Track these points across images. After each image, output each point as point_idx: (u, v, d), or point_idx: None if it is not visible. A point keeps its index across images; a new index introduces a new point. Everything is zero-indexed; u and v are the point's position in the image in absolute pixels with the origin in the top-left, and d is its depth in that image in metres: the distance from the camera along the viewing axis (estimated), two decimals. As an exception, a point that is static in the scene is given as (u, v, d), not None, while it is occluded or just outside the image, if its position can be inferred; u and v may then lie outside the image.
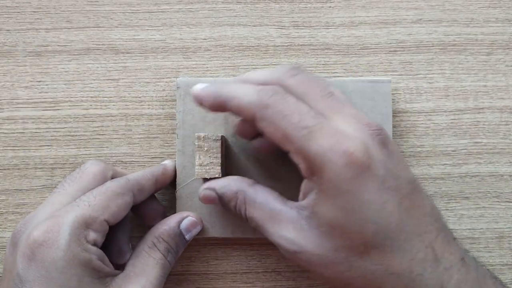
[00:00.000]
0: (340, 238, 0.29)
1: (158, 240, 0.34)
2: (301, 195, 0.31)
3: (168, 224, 0.35)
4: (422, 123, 0.40)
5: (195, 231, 0.36)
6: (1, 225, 0.40)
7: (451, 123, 0.40)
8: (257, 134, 0.35)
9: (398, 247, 0.28)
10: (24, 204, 0.40)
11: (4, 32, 0.41)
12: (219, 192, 0.33)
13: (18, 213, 0.40)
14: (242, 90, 0.31)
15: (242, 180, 0.33)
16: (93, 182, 0.34)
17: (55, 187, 0.40)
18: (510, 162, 0.40)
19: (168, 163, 0.38)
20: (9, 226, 0.40)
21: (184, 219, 0.36)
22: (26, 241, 0.30)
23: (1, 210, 0.40)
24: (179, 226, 0.35)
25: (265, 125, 0.29)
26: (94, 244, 0.31)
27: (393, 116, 0.39)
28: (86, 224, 0.31)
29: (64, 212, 0.31)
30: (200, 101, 0.32)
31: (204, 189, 0.34)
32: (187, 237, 0.36)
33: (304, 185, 0.30)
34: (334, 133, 0.28)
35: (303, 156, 0.29)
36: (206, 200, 0.34)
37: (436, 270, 0.29)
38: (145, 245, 0.34)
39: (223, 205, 0.34)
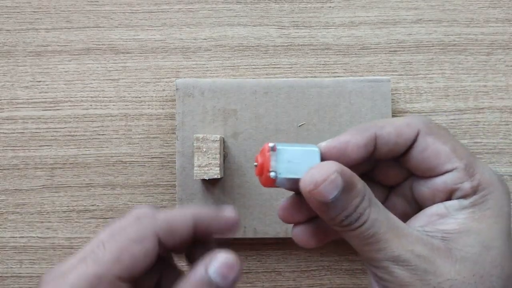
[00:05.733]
0: (494, 265, 0.26)
1: None
2: (426, 220, 0.28)
3: (195, 273, 0.25)
4: (422, 123, 0.40)
5: (233, 276, 0.25)
6: (1, 225, 0.40)
7: (451, 123, 0.40)
8: (307, 219, 0.30)
9: None
10: (24, 204, 0.40)
11: (4, 32, 0.41)
12: (348, 180, 0.26)
13: (18, 213, 0.40)
14: (392, 119, 0.31)
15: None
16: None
17: (55, 187, 0.40)
18: (510, 162, 0.40)
19: (228, 213, 0.28)
20: (9, 226, 0.40)
21: (212, 260, 0.25)
22: None
23: (1, 210, 0.40)
24: (207, 272, 0.25)
25: (431, 140, 0.28)
26: None
27: (393, 116, 0.39)
28: (90, 286, 0.24)
29: (68, 271, 0.25)
30: (340, 148, 0.28)
31: (336, 172, 0.25)
32: (225, 285, 0.25)
33: (445, 207, 0.28)
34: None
35: (470, 173, 0.28)
36: (327, 190, 0.25)
37: None
38: None
39: (326, 198, 0.26)
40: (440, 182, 0.28)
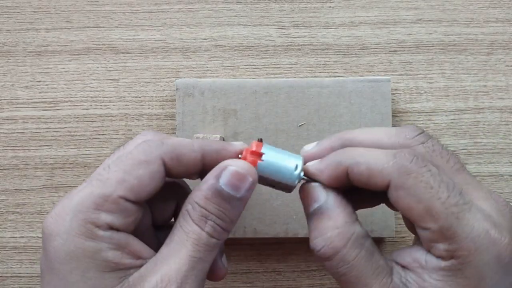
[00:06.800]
0: None
1: (193, 207, 0.26)
2: (410, 262, 0.27)
3: (205, 181, 0.27)
4: (422, 123, 0.40)
5: (246, 185, 0.26)
6: (1, 225, 0.40)
7: (451, 123, 0.40)
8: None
9: None
10: (24, 204, 0.40)
11: (4, 32, 0.41)
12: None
13: (18, 213, 0.40)
14: (369, 154, 0.26)
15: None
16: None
17: (55, 187, 0.40)
18: (510, 162, 0.40)
19: (236, 143, 0.29)
20: (9, 226, 0.40)
21: (223, 171, 0.26)
22: (43, 225, 0.26)
23: (1, 210, 0.40)
24: (218, 182, 0.26)
25: (402, 195, 0.25)
26: (111, 228, 0.25)
27: (393, 116, 0.39)
28: (94, 206, 0.25)
29: (75, 193, 0.26)
30: (315, 174, 0.27)
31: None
32: (238, 195, 0.26)
33: (425, 260, 0.26)
34: (485, 218, 0.25)
35: (447, 236, 0.25)
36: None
37: None
38: (180, 217, 0.27)
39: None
40: (420, 231, 0.26)
